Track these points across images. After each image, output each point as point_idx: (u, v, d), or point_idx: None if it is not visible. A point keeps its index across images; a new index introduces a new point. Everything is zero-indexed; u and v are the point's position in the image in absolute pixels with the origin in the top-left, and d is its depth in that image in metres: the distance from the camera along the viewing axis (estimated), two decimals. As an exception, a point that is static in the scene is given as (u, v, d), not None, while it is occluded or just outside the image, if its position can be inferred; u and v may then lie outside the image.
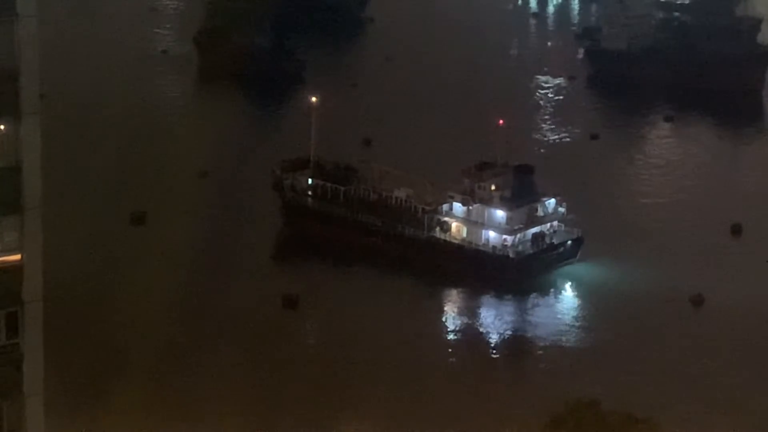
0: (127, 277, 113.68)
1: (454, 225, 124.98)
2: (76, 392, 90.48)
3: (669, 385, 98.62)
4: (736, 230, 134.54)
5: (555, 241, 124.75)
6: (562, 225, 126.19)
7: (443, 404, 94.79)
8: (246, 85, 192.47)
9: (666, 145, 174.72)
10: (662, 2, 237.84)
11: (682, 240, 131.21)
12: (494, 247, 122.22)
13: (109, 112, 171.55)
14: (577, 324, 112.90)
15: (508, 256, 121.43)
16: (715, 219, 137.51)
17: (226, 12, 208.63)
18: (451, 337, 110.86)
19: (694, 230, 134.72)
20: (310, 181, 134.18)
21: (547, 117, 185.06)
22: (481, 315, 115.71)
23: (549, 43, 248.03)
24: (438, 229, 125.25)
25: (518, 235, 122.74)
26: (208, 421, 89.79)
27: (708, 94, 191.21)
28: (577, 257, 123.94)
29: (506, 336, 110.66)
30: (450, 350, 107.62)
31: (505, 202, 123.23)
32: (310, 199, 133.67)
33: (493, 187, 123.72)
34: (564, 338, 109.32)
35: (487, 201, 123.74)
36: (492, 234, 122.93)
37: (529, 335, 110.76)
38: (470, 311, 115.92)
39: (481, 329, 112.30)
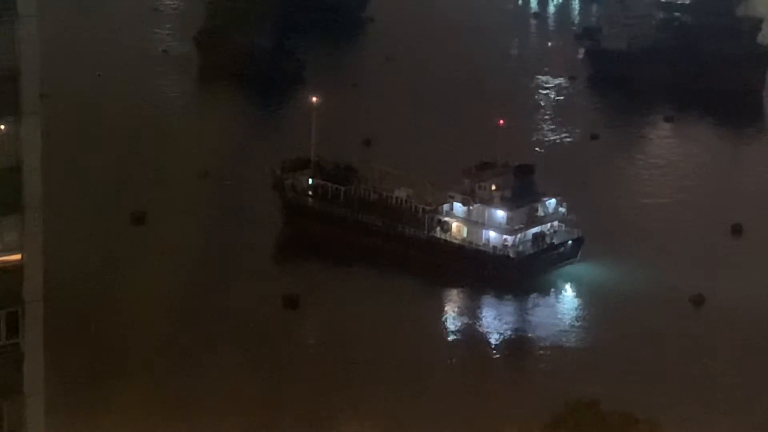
0: (127, 277, 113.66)
1: (455, 225, 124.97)
2: (76, 392, 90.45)
3: (669, 385, 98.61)
4: (737, 230, 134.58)
5: (555, 241, 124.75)
6: (563, 225, 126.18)
7: (443, 404, 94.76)
8: (246, 85, 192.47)
9: (666, 145, 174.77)
10: (662, 2, 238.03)
11: (683, 240, 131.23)
12: (495, 247, 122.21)
13: (109, 112, 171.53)
14: (577, 324, 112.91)
15: (508, 256, 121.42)
16: (716, 219, 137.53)
17: (227, 12, 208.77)
18: (451, 337, 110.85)
19: (694, 230, 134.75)
20: (310, 181, 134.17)
21: (547, 117, 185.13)
22: (482, 315, 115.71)
23: (549, 43, 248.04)
24: (438, 229, 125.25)
25: (519, 235, 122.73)
26: (208, 421, 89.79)
27: (708, 94, 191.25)
28: (578, 257, 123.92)
29: (506, 336, 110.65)
30: (450, 350, 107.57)
31: (506, 202, 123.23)
32: (310, 199, 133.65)
33: (493, 187, 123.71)
34: (564, 338, 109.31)
35: (488, 201, 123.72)
36: (492, 234, 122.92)
37: (529, 335, 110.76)
38: (470, 311, 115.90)
39: (481, 329, 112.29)
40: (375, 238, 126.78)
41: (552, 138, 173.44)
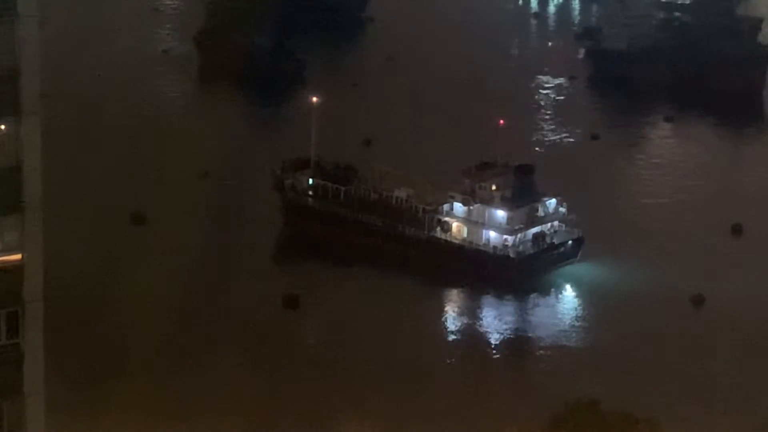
0: (127, 277, 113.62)
1: (455, 225, 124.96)
2: (76, 392, 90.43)
3: (669, 385, 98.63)
4: (737, 230, 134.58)
5: (555, 241, 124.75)
6: (563, 225, 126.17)
7: (443, 404, 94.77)
8: (246, 85, 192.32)
9: (666, 145, 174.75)
10: (662, 2, 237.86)
11: (683, 240, 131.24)
12: (495, 247, 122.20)
13: (109, 112, 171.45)
14: (577, 324, 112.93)
15: (508, 256, 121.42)
16: (716, 219, 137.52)
17: (227, 12, 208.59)
18: (451, 337, 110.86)
19: (694, 230, 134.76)
20: (310, 181, 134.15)
21: (547, 117, 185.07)
22: (482, 315, 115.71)
23: (550, 43, 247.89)
24: (438, 229, 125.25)
25: (519, 235, 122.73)
26: (208, 421, 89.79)
27: (708, 94, 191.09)
28: (578, 257, 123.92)
29: (506, 336, 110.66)
30: (450, 350, 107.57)
31: (506, 202, 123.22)
32: (310, 199, 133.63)
33: (493, 187, 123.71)
34: (564, 338, 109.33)
35: (488, 201, 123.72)
36: (492, 234, 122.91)
37: (529, 335, 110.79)
38: (471, 311, 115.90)
39: (481, 329, 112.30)
40: (375, 238, 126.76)
41: (552, 138, 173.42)
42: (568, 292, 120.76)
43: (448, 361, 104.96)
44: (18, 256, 47.87)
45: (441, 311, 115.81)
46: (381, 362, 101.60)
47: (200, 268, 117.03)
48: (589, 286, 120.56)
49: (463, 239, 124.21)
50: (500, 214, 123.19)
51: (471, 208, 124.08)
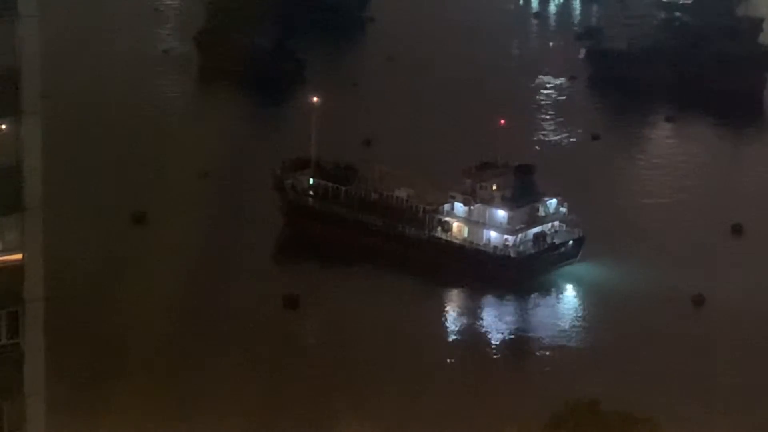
0: (127, 277, 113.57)
1: (456, 225, 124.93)
2: (76, 392, 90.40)
3: (669, 385, 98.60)
4: (737, 230, 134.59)
5: (556, 241, 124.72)
6: (564, 225, 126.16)
7: (443, 404, 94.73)
8: (246, 85, 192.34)
9: (667, 146, 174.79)
10: (663, 2, 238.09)
11: (683, 240, 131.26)
12: (495, 247, 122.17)
13: (109, 112, 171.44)
14: (577, 324, 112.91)
15: (509, 256, 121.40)
16: (716, 219, 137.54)
17: (227, 12, 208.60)
18: (451, 337, 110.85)
19: (694, 230, 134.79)
20: (310, 181, 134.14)
21: (548, 117, 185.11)
22: (482, 315, 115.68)
23: (550, 43, 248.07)
24: (439, 228, 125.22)
25: (519, 235, 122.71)
26: (208, 422, 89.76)
27: (709, 94, 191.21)
28: (578, 257, 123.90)
29: (507, 336, 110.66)
30: (450, 350, 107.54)
31: (507, 202, 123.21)
32: (310, 199, 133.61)
33: (494, 187, 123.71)
34: (565, 338, 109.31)
35: (489, 201, 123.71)
36: (493, 234, 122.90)
37: (529, 335, 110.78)
38: (471, 311, 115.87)
39: (481, 329, 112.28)
40: (375, 238, 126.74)
41: (553, 138, 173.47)
42: (569, 292, 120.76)
43: (449, 361, 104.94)
44: (18, 256, 47.87)
45: (441, 311, 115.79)
46: (381, 362, 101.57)
47: (200, 268, 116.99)
48: (589, 286, 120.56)
49: (464, 239, 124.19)
50: (501, 213, 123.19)
51: (471, 208, 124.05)
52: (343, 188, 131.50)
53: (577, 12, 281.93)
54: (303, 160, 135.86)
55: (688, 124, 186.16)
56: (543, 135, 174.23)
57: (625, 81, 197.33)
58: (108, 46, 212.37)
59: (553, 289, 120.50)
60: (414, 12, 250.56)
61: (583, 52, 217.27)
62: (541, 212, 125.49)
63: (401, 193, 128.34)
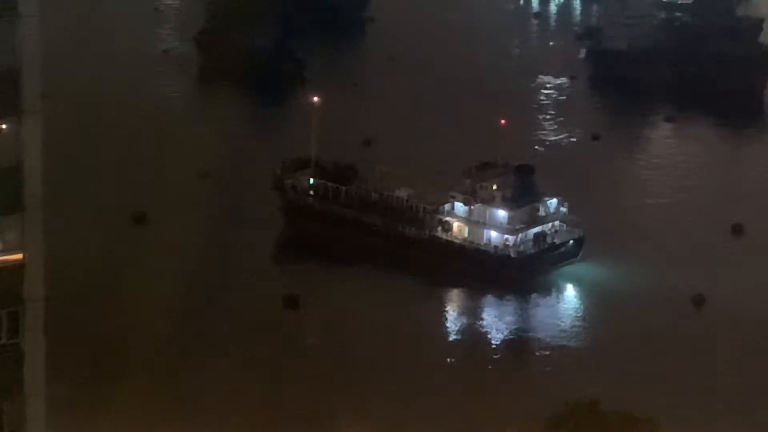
0: (127, 277, 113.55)
1: (456, 225, 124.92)
2: (76, 392, 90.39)
3: (669, 385, 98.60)
4: (737, 230, 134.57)
5: (556, 240, 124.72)
6: (564, 225, 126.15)
7: (443, 404, 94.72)
8: (246, 85, 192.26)
9: (667, 146, 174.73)
10: (663, 2, 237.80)
11: (683, 240, 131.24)
12: (496, 246, 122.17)
13: (109, 112, 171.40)
14: (577, 324, 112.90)
15: (509, 256, 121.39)
16: (716, 219, 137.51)
17: (227, 12, 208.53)
18: (451, 337, 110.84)
19: (695, 230, 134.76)
20: (311, 180, 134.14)
21: (548, 117, 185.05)
22: (482, 315, 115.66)
23: (551, 43, 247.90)
24: (439, 228, 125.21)
25: (520, 235, 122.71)
26: (208, 422, 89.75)
27: (709, 94, 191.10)
28: (579, 257, 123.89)
29: (507, 336, 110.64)
30: (450, 350, 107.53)
31: (507, 202, 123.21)
32: (310, 199, 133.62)
33: (494, 187, 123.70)
34: (565, 338, 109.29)
35: (489, 201, 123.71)
36: (493, 234, 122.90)
37: (529, 335, 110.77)
38: (471, 311, 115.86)
39: (481, 329, 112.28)
40: (375, 238, 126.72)
41: (553, 138, 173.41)
42: (569, 292, 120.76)
43: (449, 361, 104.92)
44: (18, 256, 47.88)
45: (441, 311, 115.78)
46: (381, 362, 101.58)
47: (200, 268, 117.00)
48: (589, 286, 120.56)
49: (464, 239, 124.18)
50: (501, 213, 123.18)
51: (472, 207, 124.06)
52: (344, 188, 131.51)
53: (578, 12, 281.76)
54: (303, 160, 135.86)
55: (688, 124, 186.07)
56: (543, 135, 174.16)
57: (625, 81, 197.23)
58: (108, 46, 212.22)
59: (553, 289, 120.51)
60: (414, 12, 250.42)
61: (583, 52, 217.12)
62: (542, 212, 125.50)
63: (401, 193, 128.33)
